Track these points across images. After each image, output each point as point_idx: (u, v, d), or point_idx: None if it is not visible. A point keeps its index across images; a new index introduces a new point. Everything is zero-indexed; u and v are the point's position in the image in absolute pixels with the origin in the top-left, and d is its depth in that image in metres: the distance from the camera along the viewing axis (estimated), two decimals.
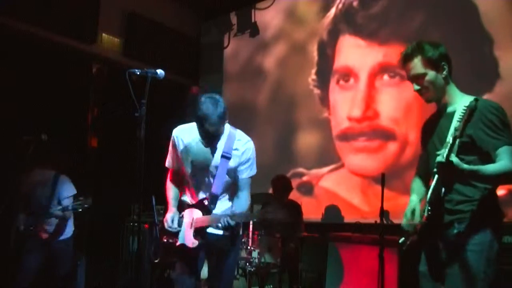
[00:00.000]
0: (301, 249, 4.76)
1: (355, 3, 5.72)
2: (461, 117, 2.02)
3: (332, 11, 5.94)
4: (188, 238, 2.75)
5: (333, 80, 5.81)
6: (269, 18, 6.56)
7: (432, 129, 2.39)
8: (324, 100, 5.87)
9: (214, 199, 2.78)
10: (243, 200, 2.84)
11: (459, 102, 2.23)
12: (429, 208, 2.16)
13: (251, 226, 4.44)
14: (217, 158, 2.77)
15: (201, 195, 2.82)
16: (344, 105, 5.64)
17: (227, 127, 2.81)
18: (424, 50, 2.26)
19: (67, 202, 4.22)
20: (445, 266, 2.18)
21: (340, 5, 5.87)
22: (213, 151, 2.78)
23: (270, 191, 5.25)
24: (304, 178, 5.80)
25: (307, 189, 5.72)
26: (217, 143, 2.76)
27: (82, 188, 4.46)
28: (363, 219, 5.06)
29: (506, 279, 3.32)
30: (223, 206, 2.84)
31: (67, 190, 4.30)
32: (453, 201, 2.19)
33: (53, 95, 5.25)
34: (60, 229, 4.28)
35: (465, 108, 2.02)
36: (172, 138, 2.89)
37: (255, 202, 4.72)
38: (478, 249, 2.11)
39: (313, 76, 6.01)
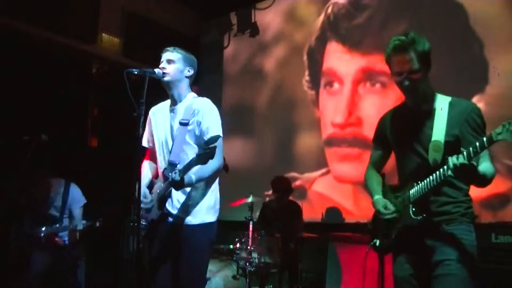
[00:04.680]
0: (301, 249, 4.76)
1: (340, 12, 5.77)
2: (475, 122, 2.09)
3: (321, 17, 5.98)
4: (154, 212, 2.69)
5: (322, 85, 5.85)
6: (269, 19, 6.56)
7: (401, 124, 2.33)
8: (316, 103, 5.90)
9: (172, 167, 2.61)
10: (208, 164, 2.48)
11: (437, 100, 2.23)
12: (414, 209, 2.16)
13: (251, 226, 4.44)
14: (175, 125, 2.74)
15: (163, 167, 2.75)
16: (330, 111, 5.70)
17: (191, 95, 2.85)
18: (419, 43, 2.13)
19: (78, 214, 4.27)
20: (434, 267, 2.10)
21: (329, 12, 5.90)
22: (172, 118, 2.78)
23: (270, 192, 5.24)
24: (297, 182, 5.79)
25: (301, 193, 5.71)
26: (177, 104, 2.78)
27: (82, 188, 4.47)
28: (358, 219, 5.08)
29: (506, 279, 3.32)
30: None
31: (78, 201, 4.32)
32: (438, 203, 2.17)
33: (53, 95, 5.25)
34: (73, 239, 4.26)
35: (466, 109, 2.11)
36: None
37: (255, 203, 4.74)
38: (470, 248, 2.10)
39: (307, 78, 6.03)
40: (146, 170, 2.90)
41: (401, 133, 2.33)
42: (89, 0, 5.65)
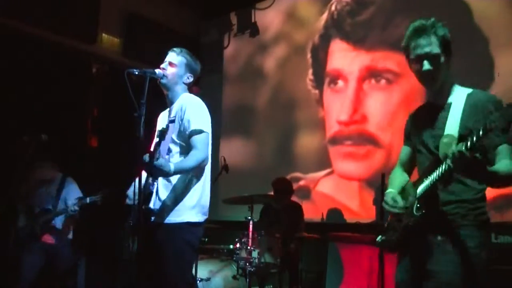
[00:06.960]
0: (301, 249, 4.76)
1: (344, 9, 5.76)
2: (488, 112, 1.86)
3: (325, 15, 5.97)
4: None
5: (326, 83, 5.83)
6: (269, 18, 6.55)
7: (420, 120, 2.19)
8: (320, 102, 5.88)
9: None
10: (190, 156, 2.57)
11: (453, 93, 2.08)
12: (418, 205, 1.97)
13: (251, 226, 4.43)
14: (165, 125, 2.72)
15: None
16: (335, 109, 5.68)
17: (185, 94, 2.84)
18: (439, 28, 2.02)
19: (75, 201, 4.14)
20: (427, 277, 1.93)
21: (333, 9, 5.89)
22: (168, 119, 2.79)
23: (271, 193, 5.24)
24: (301, 183, 5.77)
25: (305, 193, 5.69)
26: (172, 104, 2.79)
27: (82, 188, 4.47)
28: (362, 219, 5.07)
29: (505, 279, 3.32)
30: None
31: (74, 192, 4.27)
32: (441, 201, 1.96)
33: (53, 95, 5.25)
34: (67, 228, 4.24)
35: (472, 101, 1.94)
36: None
37: (255, 202, 4.74)
38: (468, 257, 1.88)
39: (311, 77, 6.02)
40: None
41: (419, 130, 2.18)
42: (89, 0, 5.65)
